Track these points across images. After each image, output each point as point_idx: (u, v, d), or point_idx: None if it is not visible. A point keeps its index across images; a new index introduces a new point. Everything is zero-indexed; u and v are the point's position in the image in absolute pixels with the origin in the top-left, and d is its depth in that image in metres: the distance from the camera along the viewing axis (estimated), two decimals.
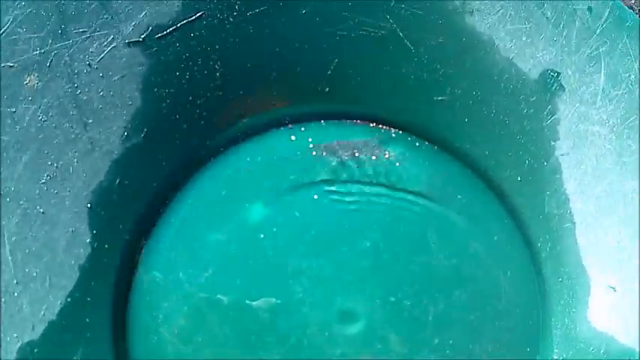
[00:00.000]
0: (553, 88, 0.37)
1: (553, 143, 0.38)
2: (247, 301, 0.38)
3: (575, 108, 0.38)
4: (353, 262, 0.38)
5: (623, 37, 0.36)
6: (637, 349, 0.36)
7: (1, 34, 0.36)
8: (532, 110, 0.38)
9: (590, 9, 0.36)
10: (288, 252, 0.38)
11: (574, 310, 0.39)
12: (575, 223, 0.38)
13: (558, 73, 0.37)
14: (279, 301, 0.37)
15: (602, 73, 0.37)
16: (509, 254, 0.39)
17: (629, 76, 0.37)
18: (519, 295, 0.39)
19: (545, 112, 0.38)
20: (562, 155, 0.38)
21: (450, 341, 0.38)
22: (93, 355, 0.37)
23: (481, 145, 0.39)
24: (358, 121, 0.39)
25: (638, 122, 0.37)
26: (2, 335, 0.37)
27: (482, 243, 0.39)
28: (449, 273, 0.38)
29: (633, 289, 0.37)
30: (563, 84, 0.37)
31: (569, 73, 0.37)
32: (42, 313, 0.37)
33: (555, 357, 0.39)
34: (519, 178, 0.39)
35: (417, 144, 0.39)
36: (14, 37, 0.36)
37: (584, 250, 0.38)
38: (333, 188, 0.38)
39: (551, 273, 0.39)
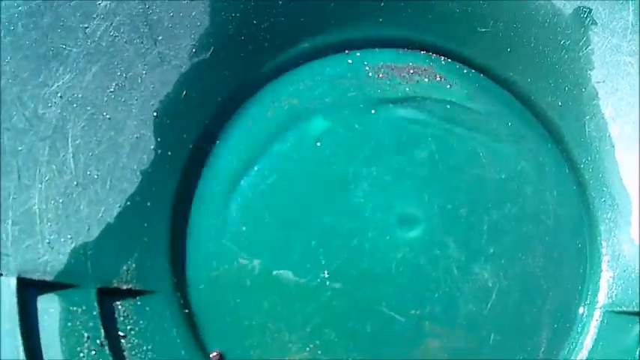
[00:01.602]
0: (586, 22, 0.41)
1: (589, 72, 0.41)
2: (310, 206, 0.38)
3: (608, 40, 0.41)
4: (410, 170, 0.39)
5: None
6: None
7: None
8: (568, 42, 0.41)
9: None
10: (348, 160, 0.39)
11: (618, 228, 0.40)
12: (614, 145, 0.41)
13: (590, 10, 0.41)
14: (341, 206, 0.38)
15: (630, 10, 0.41)
16: (555, 175, 0.41)
17: None
18: (566, 214, 0.40)
19: (581, 44, 0.41)
20: (598, 83, 0.41)
21: (504, 251, 0.39)
22: (149, 261, 0.37)
23: (523, 72, 0.42)
24: (409, 49, 0.42)
25: None
26: (56, 236, 0.36)
27: (529, 162, 0.41)
28: (500, 186, 0.40)
29: None
30: (595, 19, 0.41)
31: (600, 9, 0.41)
32: (100, 215, 0.37)
33: (603, 275, 0.40)
34: (560, 104, 0.41)
35: (465, 71, 0.42)
36: None
37: (624, 170, 0.40)
38: (389, 104, 0.40)
39: (595, 193, 0.41)
